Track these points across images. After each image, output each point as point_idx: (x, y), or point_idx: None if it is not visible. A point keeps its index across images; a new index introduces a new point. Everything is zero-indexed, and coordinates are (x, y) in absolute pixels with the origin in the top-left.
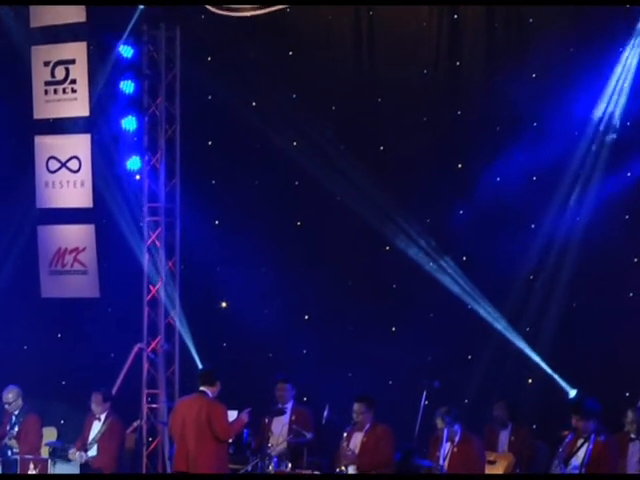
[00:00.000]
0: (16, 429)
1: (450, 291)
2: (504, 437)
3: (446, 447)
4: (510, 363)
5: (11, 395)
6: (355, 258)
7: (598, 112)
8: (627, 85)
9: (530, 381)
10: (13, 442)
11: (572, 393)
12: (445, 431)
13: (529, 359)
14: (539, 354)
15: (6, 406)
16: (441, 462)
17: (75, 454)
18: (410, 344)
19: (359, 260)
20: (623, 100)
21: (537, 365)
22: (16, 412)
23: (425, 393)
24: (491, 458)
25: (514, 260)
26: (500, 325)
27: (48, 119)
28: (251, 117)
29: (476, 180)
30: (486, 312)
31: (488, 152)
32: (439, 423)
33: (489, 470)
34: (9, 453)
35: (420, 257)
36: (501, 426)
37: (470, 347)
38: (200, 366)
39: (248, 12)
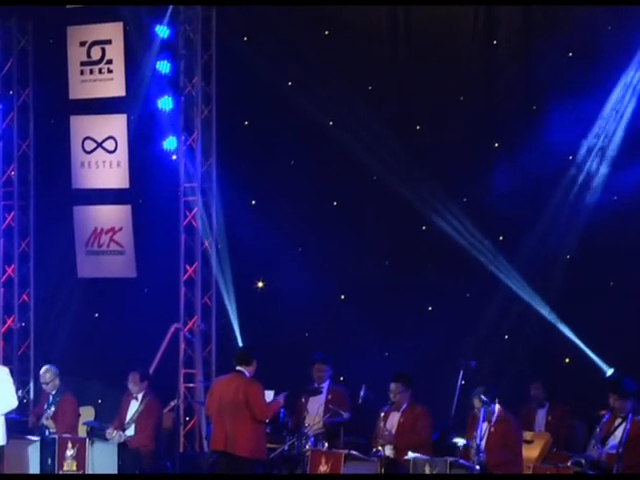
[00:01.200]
0: (53, 409)
1: (487, 270)
2: (541, 417)
3: (483, 427)
4: (547, 342)
5: (48, 375)
6: (392, 238)
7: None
8: None
9: (567, 360)
10: (50, 422)
11: (609, 372)
12: (482, 411)
13: (566, 338)
14: (576, 333)
15: (44, 386)
16: (478, 441)
17: (113, 433)
18: (447, 324)
19: (396, 239)
20: None
21: (574, 344)
22: (53, 392)
23: (462, 372)
24: (528, 438)
25: (551, 239)
26: (537, 304)
27: (84, 99)
28: (287, 97)
29: (513, 159)
30: (523, 291)
31: (525, 131)
32: (476, 403)
33: (526, 450)
34: (47, 433)
35: (457, 236)
36: (538, 406)
37: (507, 326)
38: (239, 345)
39: None
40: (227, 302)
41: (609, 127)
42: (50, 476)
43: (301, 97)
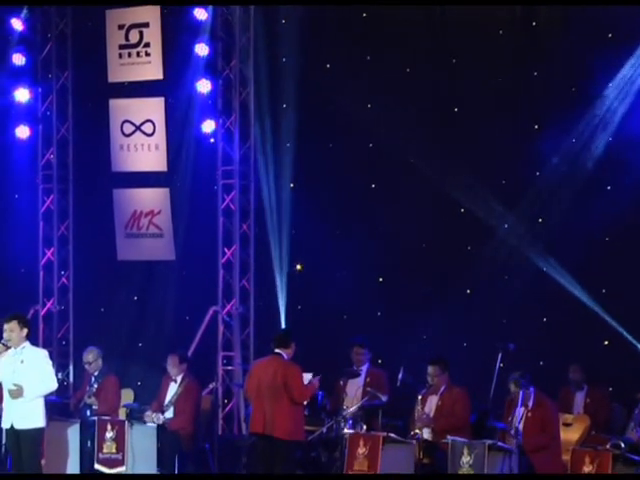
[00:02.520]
0: (95, 387)
1: (525, 253)
2: (580, 399)
3: (521, 410)
4: (586, 325)
5: (91, 356)
6: (429, 220)
7: None
8: None
9: (606, 343)
10: (93, 400)
11: None
12: (520, 394)
13: (605, 321)
14: (615, 315)
15: (86, 366)
16: (516, 425)
17: (152, 416)
18: (485, 306)
19: (434, 222)
20: None
21: (613, 327)
22: (96, 373)
23: (500, 355)
24: (568, 421)
25: (590, 221)
26: (575, 287)
27: (122, 82)
28: (325, 79)
29: (552, 141)
30: (561, 274)
31: (564, 113)
32: (512, 387)
33: (565, 433)
34: (88, 413)
35: (495, 219)
36: (577, 388)
37: (545, 309)
38: (277, 328)
39: None
40: (265, 285)
41: None
42: (49, 476)
43: (338, 80)
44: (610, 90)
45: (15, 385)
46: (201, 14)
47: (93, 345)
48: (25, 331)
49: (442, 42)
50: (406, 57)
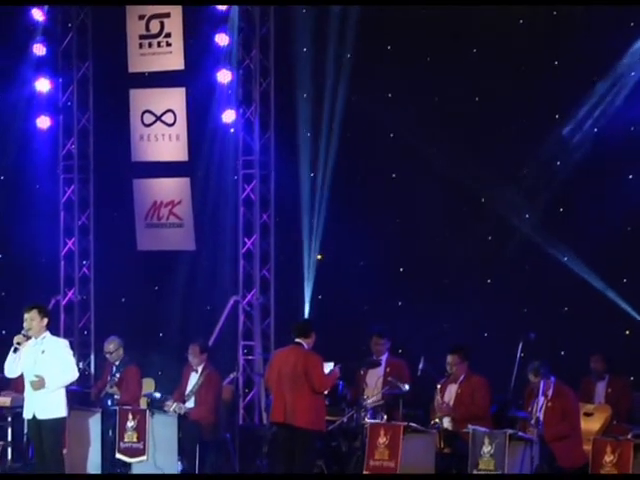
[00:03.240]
0: (117, 377)
1: (546, 243)
2: (601, 389)
3: (541, 400)
4: (607, 314)
5: (112, 345)
6: (450, 210)
7: None
8: None
9: (627, 332)
10: (115, 389)
11: None
12: (541, 384)
13: (626, 310)
14: (636, 305)
15: (107, 356)
16: (536, 414)
17: (173, 405)
18: (505, 296)
19: (454, 212)
20: None
21: (634, 316)
22: (117, 363)
23: (521, 345)
24: (589, 411)
25: (611, 211)
26: (597, 276)
27: (143, 72)
28: (345, 70)
29: (574, 131)
30: (582, 264)
31: (586, 103)
32: (532, 377)
33: (586, 423)
34: (109, 403)
35: (515, 209)
36: (598, 378)
37: (566, 299)
38: (297, 318)
39: None
40: (286, 275)
41: None
42: (47, 476)
43: (358, 70)
44: (631, 79)
45: (37, 376)
46: (221, 5)
47: (114, 335)
48: (45, 321)
49: (462, 31)
50: (427, 46)
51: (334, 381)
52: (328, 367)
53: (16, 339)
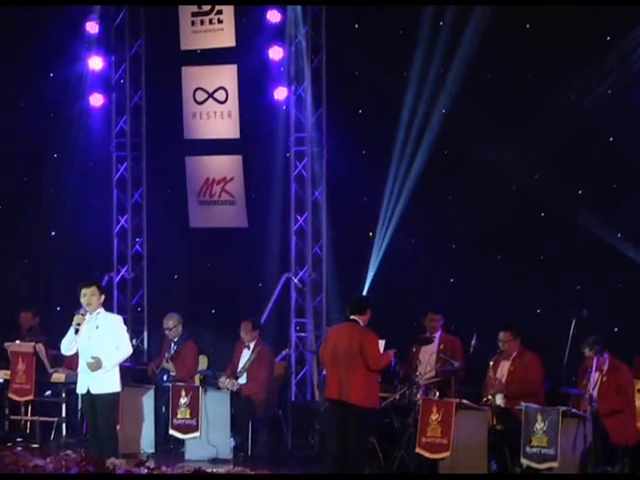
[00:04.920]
0: (173, 351)
1: (599, 218)
2: None
3: (595, 376)
4: None
5: (172, 322)
6: (502, 186)
7: None
8: None
9: None
10: (170, 365)
11: None
12: (595, 360)
13: None
14: None
15: (166, 332)
16: (590, 390)
17: (225, 382)
18: (558, 272)
19: (506, 188)
20: None
21: None
22: (175, 339)
23: (574, 321)
24: None
25: None
26: None
27: (195, 50)
28: (398, 46)
29: (626, 114)
30: (635, 241)
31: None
32: (587, 352)
33: (639, 399)
34: (164, 378)
35: (569, 184)
36: None
37: (619, 275)
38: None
39: None
40: (338, 252)
41: None
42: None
43: (411, 46)
44: None
45: (93, 358)
46: None
47: (173, 311)
48: (102, 297)
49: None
50: (477, 24)
51: (388, 362)
52: (381, 345)
53: (76, 319)
